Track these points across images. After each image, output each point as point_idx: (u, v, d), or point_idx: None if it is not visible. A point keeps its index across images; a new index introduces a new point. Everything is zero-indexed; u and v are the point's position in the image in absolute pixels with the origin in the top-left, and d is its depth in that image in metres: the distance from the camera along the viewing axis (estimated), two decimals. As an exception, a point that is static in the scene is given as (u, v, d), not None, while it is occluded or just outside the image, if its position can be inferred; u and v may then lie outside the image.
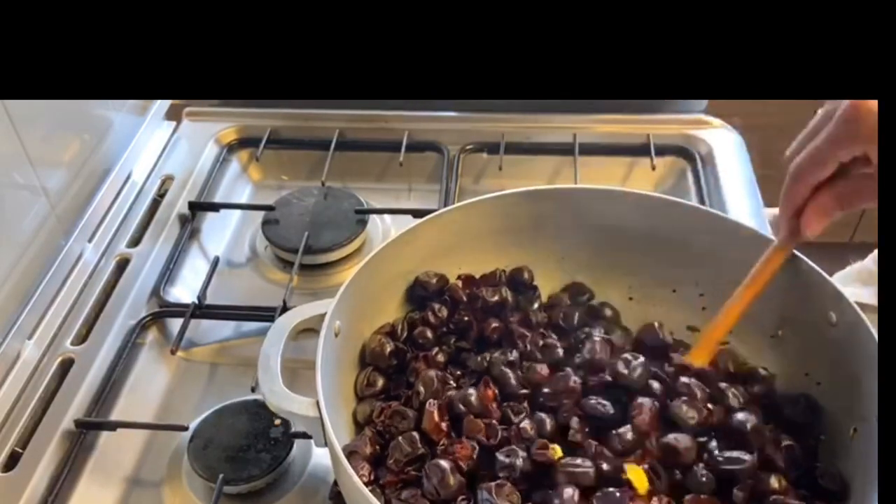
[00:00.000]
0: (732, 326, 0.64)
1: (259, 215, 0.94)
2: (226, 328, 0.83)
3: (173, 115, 1.08)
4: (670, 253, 0.71)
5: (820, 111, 0.56)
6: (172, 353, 0.78)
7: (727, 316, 0.64)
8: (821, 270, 0.62)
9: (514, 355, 0.66)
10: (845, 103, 0.53)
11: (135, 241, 0.91)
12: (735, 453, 0.59)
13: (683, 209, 0.71)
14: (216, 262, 0.87)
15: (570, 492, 0.55)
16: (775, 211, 0.91)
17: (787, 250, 0.62)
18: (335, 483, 0.67)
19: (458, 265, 0.74)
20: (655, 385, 0.63)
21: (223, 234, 0.96)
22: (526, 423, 0.60)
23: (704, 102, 1.07)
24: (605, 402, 0.61)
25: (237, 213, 0.98)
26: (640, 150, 0.99)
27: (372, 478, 0.59)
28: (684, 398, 0.61)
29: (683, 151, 1.00)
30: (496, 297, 0.70)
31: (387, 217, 0.96)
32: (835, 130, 0.54)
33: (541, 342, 0.67)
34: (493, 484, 0.56)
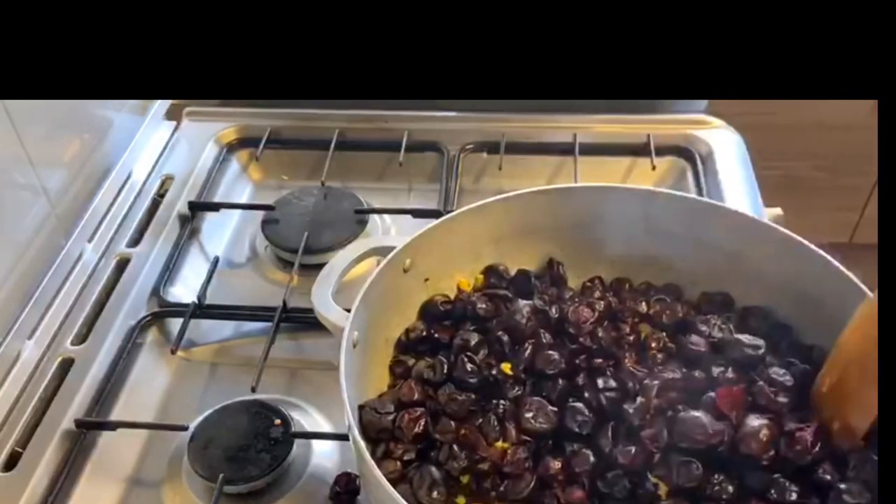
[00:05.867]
0: None
1: (259, 215, 0.94)
2: (226, 328, 0.83)
3: (173, 115, 1.08)
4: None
5: None
6: (173, 352, 0.78)
7: None
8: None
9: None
10: None
11: (135, 241, 0.91)
12: None
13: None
14: (216, 261, 0.87)
15: None
16: (775, 211, 0.91)
17: None
18: (335, 483, 0.68)
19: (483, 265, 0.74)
20: None
21: (223, 234, 0.96)
22: None
23: (704, 102, 1.07)
24: None
25: (237, 212, 0.98)
26: (640, 150, 0.99)
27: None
28: None
29: (683, 151, 1.00)
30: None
31: (387, 217, 0.96)
32: None
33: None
34: None
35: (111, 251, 0.89)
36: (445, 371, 0.64)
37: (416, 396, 0.63)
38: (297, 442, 0.70)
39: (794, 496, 0.54)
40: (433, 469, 0.59)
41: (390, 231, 0.94)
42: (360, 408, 0.61)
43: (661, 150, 0.99)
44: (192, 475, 0.68)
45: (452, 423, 0.61)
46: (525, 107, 1.04)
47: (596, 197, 0.73)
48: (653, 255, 0.73)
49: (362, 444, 0.55)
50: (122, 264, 0.88)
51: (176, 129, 1.07)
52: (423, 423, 0.61)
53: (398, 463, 0.60)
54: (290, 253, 0.89)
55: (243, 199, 1.02)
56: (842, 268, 0.63)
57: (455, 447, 0.59)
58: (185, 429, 0.71)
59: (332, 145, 1.00)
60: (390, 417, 0.61)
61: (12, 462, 0.69)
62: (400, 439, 0.60)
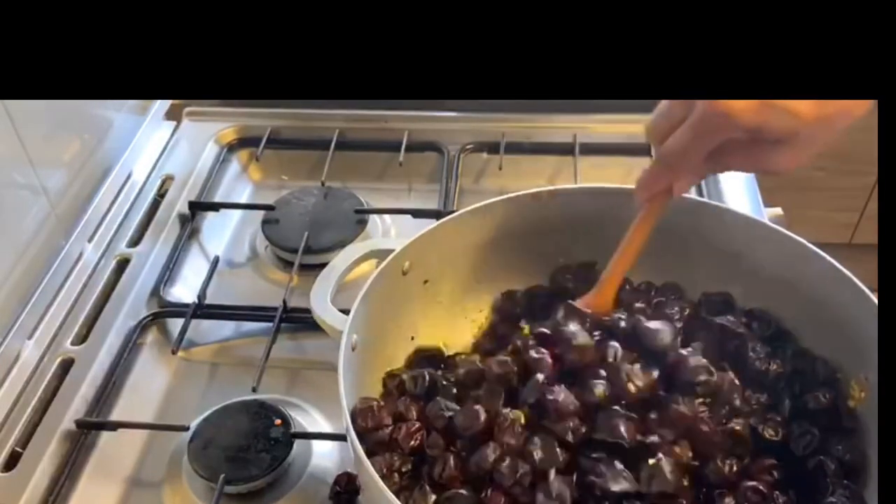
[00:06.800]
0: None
1: (259, 215, 0.94)
2: (226, 328, 0.83)
3: (173, 115, 1.08)
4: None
5: None
6: (174, 352, 0.78)
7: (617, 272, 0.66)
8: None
9: None
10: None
11: (135, 241, 0.91)
12: None
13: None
14: (216, 261, 0.87)
15: None
16: (775, 211, 0.91)
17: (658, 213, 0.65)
18: (335, 483, 0.68)
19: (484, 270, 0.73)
20: None
21: (223, 233, 0.96)
22: None
23: (704, 102, 1.07)
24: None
25: (237, 212, 0.98)
26: (640, 150, 0.99)
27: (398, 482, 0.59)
28: None
29: (683, 151, 1.00)
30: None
31: (387, 217, 0.96)
32: (700, 126, 0.56)
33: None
34: None
35: (111, 251, 0.89)
36: (427, 384, 0.64)
37: (412, 415, 0.62)
38: (298, 442, 0.70)
39: None
40: (427, 487, 0.58)
41: (390, 231, 0.94)
42: (357, 416, 0.61)
43: (662, 150, 0.99)
44: (193, 475, 0.68)
45: (441, 439, 0.60)
46: (525, 107, 1.04)
47: (597, 198, 0.73)
48: (654, 256, 0.73)
49: (360, 449, 0.55)
50: (122, 264, 0.88)
51: (176, 129, 1.07)
52: (419, 437, 0.60)
53: (396, 475, 0.59)
54: (290, 253, 0.89)
55: (243, 199, 1.02)
56: (842, 268, 0.63)
57: (450, 460, 0.58)
58: (185, 429, 0.71)
59: (332, 145, 1.00)
60: (388, 430, 0.61)
61: (12, 462, 0.69)
62: (395, 451, 0.60)
